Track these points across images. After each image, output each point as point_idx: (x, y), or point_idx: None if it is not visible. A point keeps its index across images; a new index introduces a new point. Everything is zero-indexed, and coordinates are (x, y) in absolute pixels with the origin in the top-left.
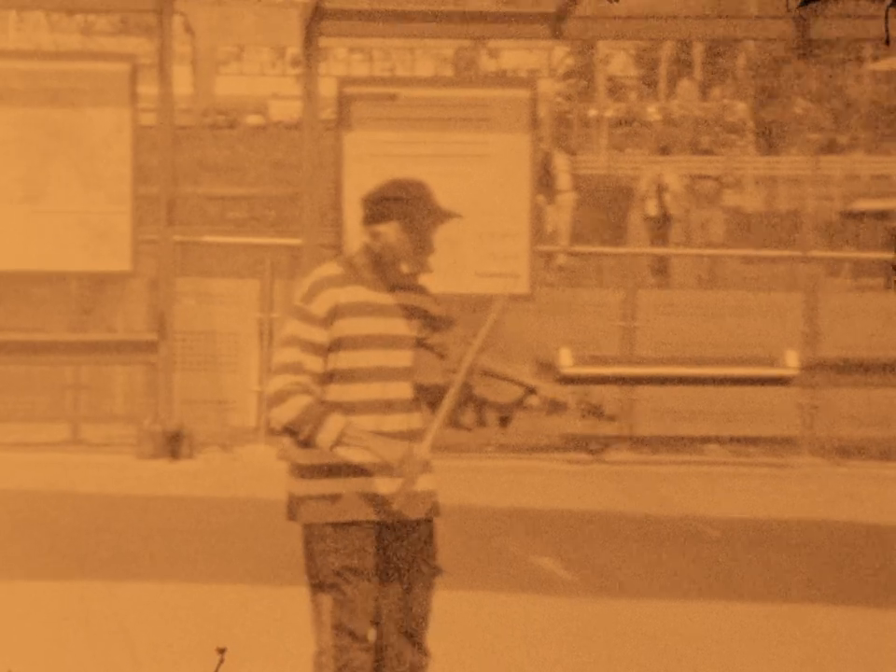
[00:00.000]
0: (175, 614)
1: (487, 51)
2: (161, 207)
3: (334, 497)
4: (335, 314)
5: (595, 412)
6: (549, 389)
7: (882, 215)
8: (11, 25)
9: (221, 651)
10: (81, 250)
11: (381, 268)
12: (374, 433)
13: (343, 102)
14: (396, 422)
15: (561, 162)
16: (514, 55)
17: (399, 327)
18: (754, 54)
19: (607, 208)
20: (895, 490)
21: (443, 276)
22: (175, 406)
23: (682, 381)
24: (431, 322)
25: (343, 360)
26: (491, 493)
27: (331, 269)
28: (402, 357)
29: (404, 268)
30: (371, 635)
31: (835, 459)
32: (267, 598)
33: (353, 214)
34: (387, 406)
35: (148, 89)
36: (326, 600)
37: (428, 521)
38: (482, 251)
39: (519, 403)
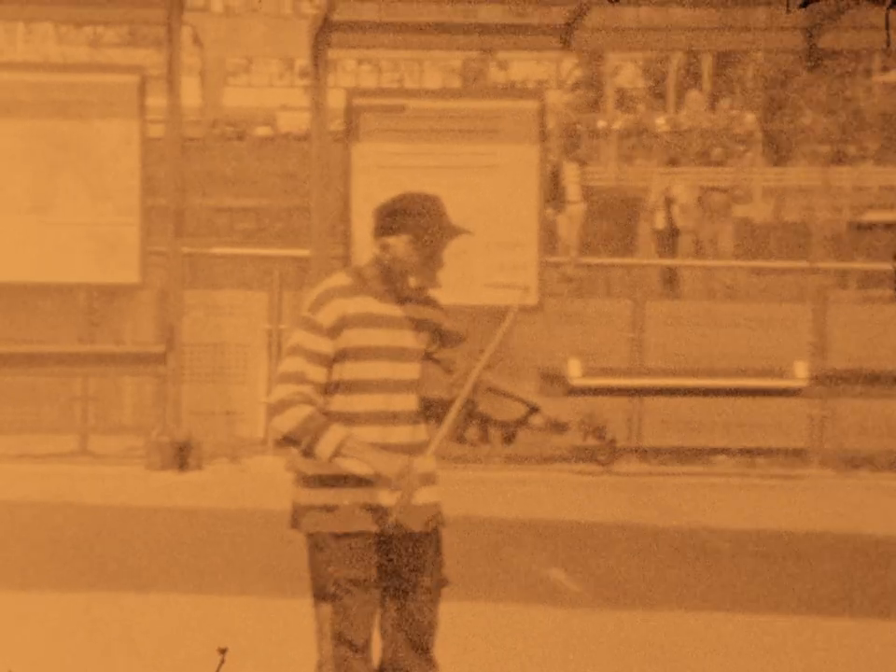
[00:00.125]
0: (182, 625)
1: (496, 63)
2: (170, 219)
3: (337, 508)
4: (343, 324)
5: (598, 433)
6: (552, 409)
7: (891, 226)
8: (19, 37)
9: (222, 651)
10: (90, 262)
11: (390, 280)
12: (373, 446)
13: (352, 113)
14: (401, 434)
15: (571, 173)
16: (523, 66)
17: (407, 339)
18: (763, 65)
19: (615, 219)
20: None
21: (452, 288)
22: (183, 417)
23: (691, 392)
24: (441, 336)
25: (349, 371)
26: (499, 504)
27: (340, 279)
28: (409, 370)
29: (412, 281)
30: (370, 646)
31: (844, 470)
32: (274, 609)
33: (361, 225)
34: (392, 418)
35: (157, 100)
36: (326, 610)
37: (433, 532)
38: (490, 262)
39: (522, 422)
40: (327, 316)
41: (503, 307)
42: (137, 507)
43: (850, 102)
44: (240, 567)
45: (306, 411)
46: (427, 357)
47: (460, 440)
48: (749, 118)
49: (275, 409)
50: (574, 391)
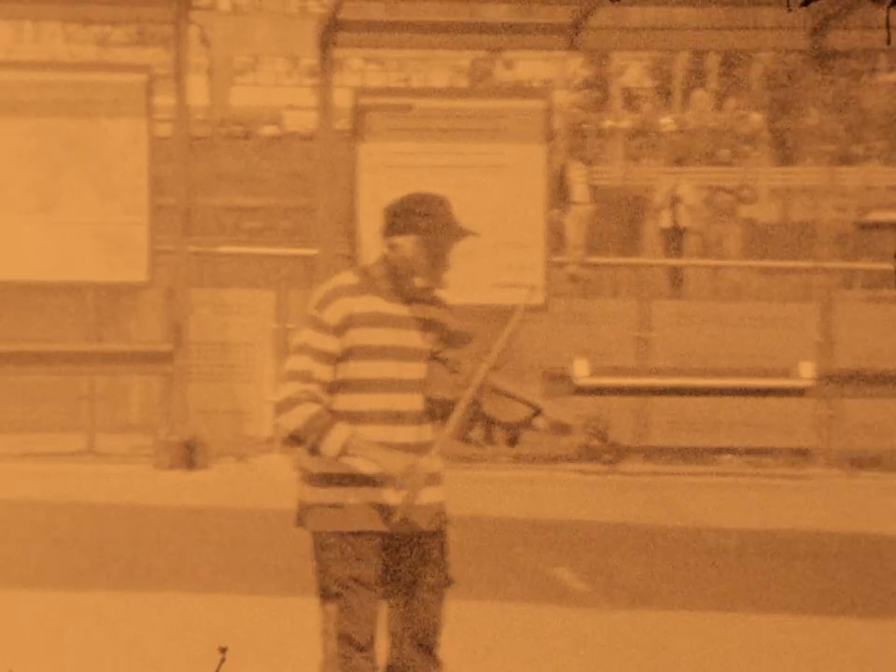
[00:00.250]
0: (189, 624)
1: (502, 62)
2: (177, 218)
3: (341, 507)
4: (349, 323)
5: (601, 436)
6: (556, 411)
7: None
8: (27, 36)
9: (223, 650)
10: (97, 261)
11: (397, 279)
12: (379, 444)
13: (358, 112)
14: (406, 433)
15: (577, 173)
16: (529, 66)
17: (413, 339)
18: (769, 65)
19: (622, 219)
20: None
21: (459, 287)
22: (190, 416)
23: (697, 392)
24: (447, 336)
25: (354, 370)
26: (506, 503)
27: (347, 278)
28: (415, 370)
29: (419, 282)
30: (375, 644)
31: (851, 470)
32: (280, 608)
33: (368, 224)
34: (398, 417)
35: (164, 99)
36: (331, 609)
37: (439, 532)
38: (497, 262)
39: (526, 423)
40: (333, 315)
41: (510, 307)
42: (144, 506)
43: (857, 101)
44: (247, 566)
45: (312, 409)
46: (433, 357)
47: (465, 440)
48: (755, 117)
49: (282, 407)
50: (580, 391)
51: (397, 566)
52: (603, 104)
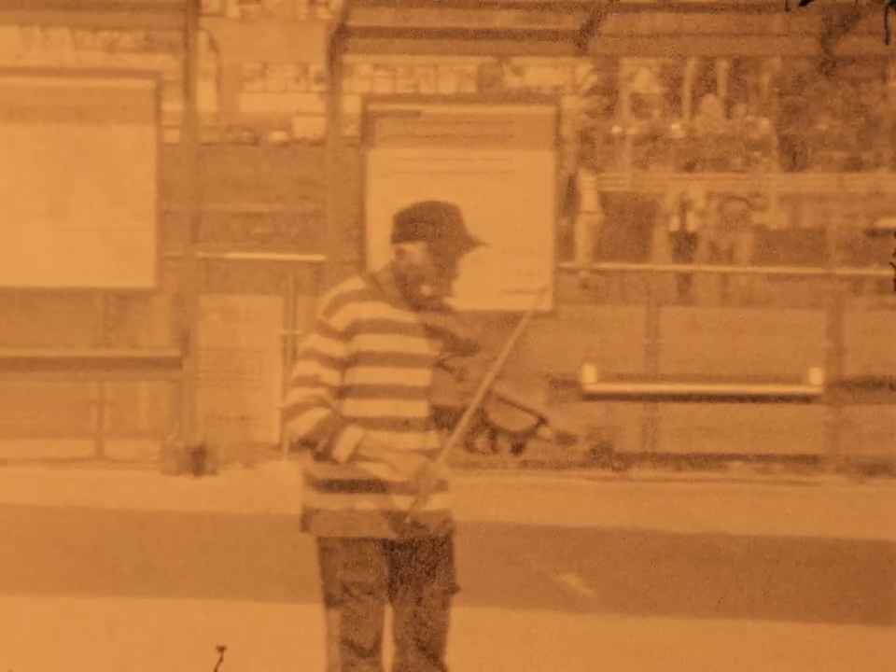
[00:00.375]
0: (196, 630)
1: (511, 68)
2: (186, 224)
3: (346, 512)
4: (355, 328)
5: (604, 447)
6: (561, 421)
7: None
8: (36, 42)
9: (221, 649)
10: (106, 267)
11: (404, 286)
12: (390, 447)
13: (367, 118)
14: (411, 440)
15: (587, 181)
16: (538, 72)
17: (420, 346)
18: (778, 71)
19: (630, 225)
20: None
21: (467, 293)
22: (198, 422)
23: (706, 398)
24: (455, 344)
25: (360, 376)
26: (513, 509)
27: (355, 284)
28: (421, 376)
29: (426, 289)
30: (380, 650)
31: (860, 477)
32: (287, 614)
33: (376, 230)
34: (403, 424)
35: (173, 105)
36: (335, 615)
37: (445, 538)
38: (505, 268)
39: (531, 433)
40: (340, 320)
41: (518, 312)
42: (152, 511)
43: (866, 108)
44: (254, 572)
45: (322, 413)
46: (440, 364)
47: (469, 448)
48: (765, 123)
49: (291, 412)
50: (589, 397)
51: (402, 572)
52: (612, 110)
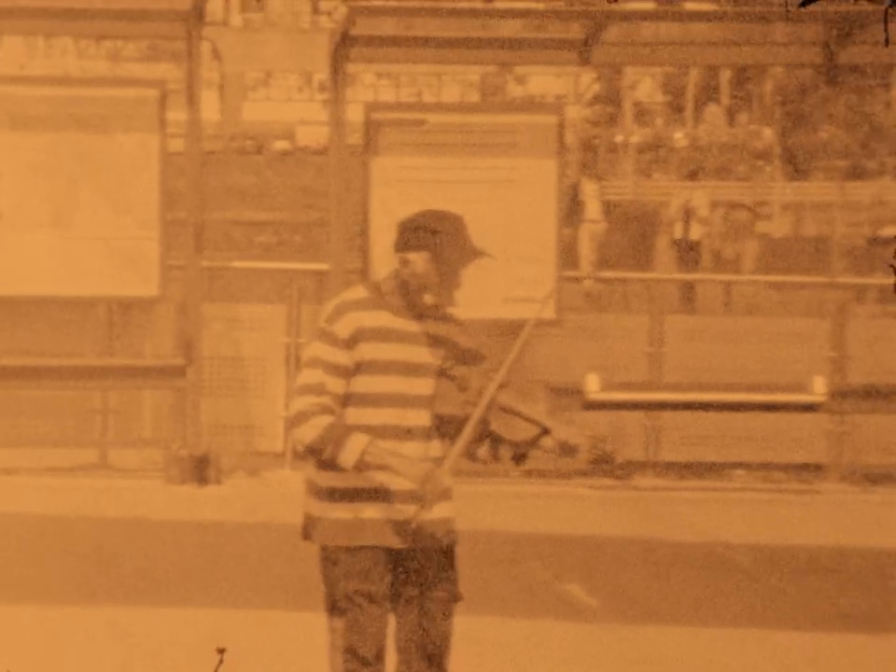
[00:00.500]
0: (200, 638)
1: (514, 77)
2: (189, 233)
3: (349, 521)
4: (358, 337)
5: (606, 458)
6: (563, 431)
7: None
8: (39, 52)
9: (221, 651)
10: (110, 275)
11: (407, 295)
12: (396, 452)
13: (370, 127)
14: (414, 449)
15: (590, 190)
16: (541, 81)
17: (422, 355)
18: (781, 80)
19: (633, 234)
20: None
21: (470, 301)
22: (202, 431)
23: (709, 407)
24: (458, 354)
25: (363, 384)
26: (516, 518)
27: (357, 292)
28: (423, 385)
29: (428, 298)
30: (383, 659)
31: (863, 486)
32: (290, 623)
33: (379, 239)
34: (406, 433)
35: (176, 114)
36: (339, 624)
37: (448, 547)
38: (509, 276)
39: (533, 443)
40: (343, 328)
41: (521, 321)
42: (156, 520)
43: (869, 117)
44: (258, 581)
45: (327, 420)
46: (442, 373)
47: (471, 458)
48: (768, 132)
49: (296, 420)
50: (592, 406)
51: (405, 580)
52: (615, 119)
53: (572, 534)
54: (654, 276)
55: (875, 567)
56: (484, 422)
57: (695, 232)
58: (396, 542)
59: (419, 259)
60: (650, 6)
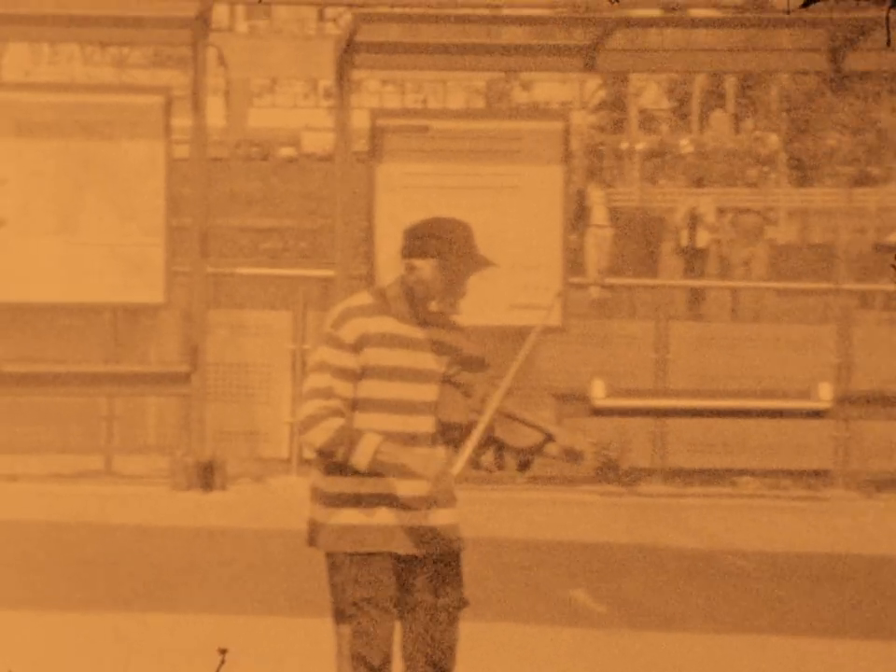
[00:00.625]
0: (206, 645)
1: (520, 84)
2: (195, 239)
3: (355, 528)
4: (363, 342)
5: (611, 465)
6: (568, 438)
7: None
8: (45, 58)
9: (223, 651)
10: (115, 282)
11: (412, 301)
12: (409, 449)
13: (376, 134)
14: None
15: (596, 196)
16: (547, 87)
17: (427, 361)
18: (787, 86)
19: (639, 240)
20: None
21: (476, 308)
22: (207, 437)
23: (715, 413)
24: (462, 361)
25: (367, 389)
26: (523, 524)
27: (362, 298)
28: (427, 392)
29: (433, 305)
30: (390, 665)
31: (869, 492)
32: (297, 629)
33: (385, 245)
34: (410, 439)
35: (182, 121)
36: (345, 630)
37: (453, 553)
38: (514, 283)
39: (538, 450)
40: (349, 333)
41: (527, 328)
42: (162, 527)
43: (874, 123)
44: (264, 587)
45: (338, 422)
46: (447, 380)
47: (476, 465)
48: (773, 139)
49: (306, 424)
50: (598, 412)
51: (411, 587)
52: (621, 125)
53: (578, 540)
54: (660, 283)
55: (880, 573)
56: (489, 428)
57: (701, 239)
58: (402, 549)
59: (426, 266)
60: (655, 12)
